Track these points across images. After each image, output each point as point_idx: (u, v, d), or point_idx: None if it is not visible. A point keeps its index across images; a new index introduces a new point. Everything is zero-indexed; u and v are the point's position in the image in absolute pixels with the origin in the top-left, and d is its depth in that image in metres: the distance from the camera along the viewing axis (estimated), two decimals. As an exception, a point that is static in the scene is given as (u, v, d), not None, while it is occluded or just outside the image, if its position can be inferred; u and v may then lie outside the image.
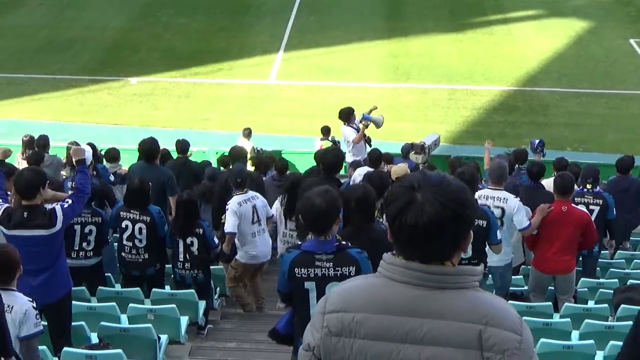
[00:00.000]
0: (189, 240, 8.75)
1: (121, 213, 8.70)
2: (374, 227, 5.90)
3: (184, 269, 8.85)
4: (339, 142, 14.69)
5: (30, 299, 5.31)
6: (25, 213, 6.56)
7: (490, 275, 8.82)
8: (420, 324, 2.55)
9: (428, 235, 2.53)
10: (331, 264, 4.94)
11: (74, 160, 7.41)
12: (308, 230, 5.08)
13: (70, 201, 6.82)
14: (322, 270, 4.93)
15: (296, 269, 4.97)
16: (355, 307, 2.63)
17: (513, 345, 2.52)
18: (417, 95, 23.07)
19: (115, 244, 9.20)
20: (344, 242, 5.05)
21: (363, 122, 14.02)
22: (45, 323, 6.76)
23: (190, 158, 12.93)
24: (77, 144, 11.07)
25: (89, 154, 9.57)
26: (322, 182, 8.91)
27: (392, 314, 2.58)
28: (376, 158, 11.70)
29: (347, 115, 14.33)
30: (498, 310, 2.58)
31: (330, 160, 8.93)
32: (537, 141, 14.72)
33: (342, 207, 5.13)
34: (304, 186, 9.57)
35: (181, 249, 8.79)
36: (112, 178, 11.42)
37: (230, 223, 9.07)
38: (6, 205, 6.78)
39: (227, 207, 9.16)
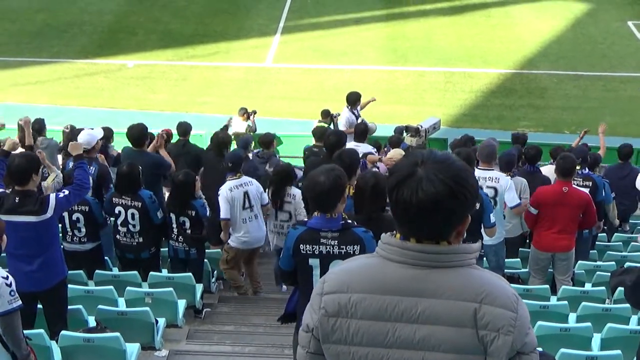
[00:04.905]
0: (181, 219, 8.78)
1: (114, 199, 8.67)
2: (385, 216, 5.84)
3: (177, 242, 8.92)
4: (338, 115, 14.65)
5: (5, 275, 5.23)
6: (17, 198, 6.53)
7: (484, 258, 8.82)
8: (415, 303, 2.55)
9: (422, 212, 2.51)
10: (336, 241, 4.94)
11: (72, 154, 7.36)
12: (313, 207, 5.08)
13: (67, 192, 6.80)
14: (326, 248, 4.94)
15: (301, 245, 4.98)
16: (351, 288, 2.63)
17: (508, 322, 2.51)
18: (415, 78, 23.03)
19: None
20: (350, 221, 5.04)
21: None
22: (41, 306, 6.79)
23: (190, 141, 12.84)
24: (72, 127, 11.02)
25: (92, 138, 9.48)
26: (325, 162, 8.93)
27: (387, 294, 2.58)
28: (361, 132, 11.68)
29: (353, 100, 14.47)
30: (493, 287, 2.57)
31: (332, 140, 8.94)
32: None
33: (346, 187, 5.12)
34: (308, 165, 9.61)
35: (174, 225, 8.84)
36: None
37: (223, 210, 9.09)
38: (0, 190, 6.77)
39: (218, 193, 9.17)
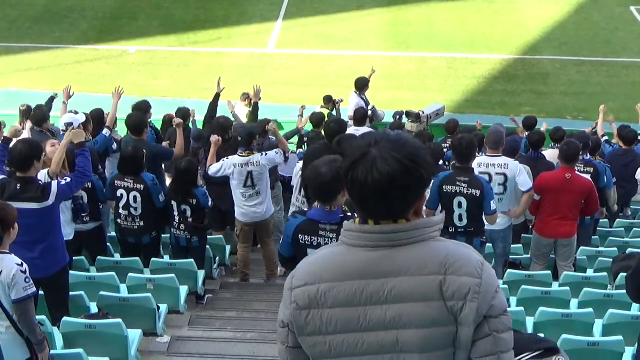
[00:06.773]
0: (182, 207, 8.78)
1: (116, 182, 8.70)
2: None
3: (179, 230, 8.93)
4: (341, 100, 14.62)
5: (20, 262, 5.26)
6: (19, 185, 6.56)
7: (489, 244, 8.80)
8: (382, 284, 2.56)
9: (378, 192, 2.52)
10: (335, 234, 4.94)
11: (74, 142, 7.35)
12: (314, 198, 5.07)
13: (69, 179, 6.83)
14: (325, 240, 4.95)
15: (300, 235, 5.01)
16: (319, 279, 2.64)
17: (473, 289, 2.51)
18: (417, 64, 22.95)
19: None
20: (349, 214, 5.02)
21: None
22: (42, 293, 6.80)
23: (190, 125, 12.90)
24: (75, 112, 10.98)
25: (75, 120, 9.49)
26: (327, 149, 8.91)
27: (354, 279, 2.59)
28: (361, 117, 11.68)
29: (360, 86, 14.52)
30: (456, 257, 2.56)
31: (333, 128, 8.91)
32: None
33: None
34: (307, 152, 9.58)
35: (176, 212, 8.84)
36: (114, 147, 10.74)
37: (215, 167, 9.22)
38: (2, 177, 6.78)
39: (226, 157, 9.23)
